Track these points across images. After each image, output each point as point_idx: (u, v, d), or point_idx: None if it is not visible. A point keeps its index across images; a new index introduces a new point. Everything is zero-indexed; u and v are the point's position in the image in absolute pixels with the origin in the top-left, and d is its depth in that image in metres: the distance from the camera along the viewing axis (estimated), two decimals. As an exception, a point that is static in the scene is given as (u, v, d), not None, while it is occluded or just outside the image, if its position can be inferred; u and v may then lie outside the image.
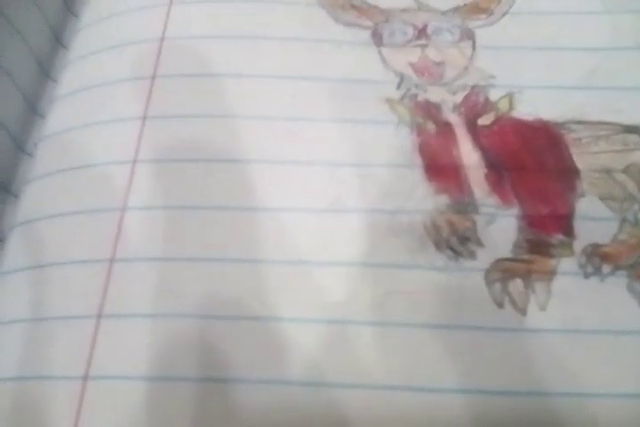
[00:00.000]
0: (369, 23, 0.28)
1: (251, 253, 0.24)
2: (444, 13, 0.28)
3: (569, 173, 0.25)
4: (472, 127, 0.26)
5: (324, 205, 0.25)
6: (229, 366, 0.22)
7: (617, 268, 0.24)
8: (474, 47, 0.28)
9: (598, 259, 0.24)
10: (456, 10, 0.29)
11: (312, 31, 0.28)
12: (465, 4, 0.29)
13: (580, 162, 0.25)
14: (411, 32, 0.28)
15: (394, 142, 0.26)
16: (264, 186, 0.25)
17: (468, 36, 0.28)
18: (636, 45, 0.28)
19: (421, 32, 0.28)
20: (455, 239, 0.24)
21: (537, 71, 0.27)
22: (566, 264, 0.24)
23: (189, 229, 0.24)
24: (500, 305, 0.23)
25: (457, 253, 0.24)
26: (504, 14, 0.28)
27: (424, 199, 0.25)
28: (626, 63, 0.27)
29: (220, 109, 0.27)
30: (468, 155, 0.26)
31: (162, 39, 0.28)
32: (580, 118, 0.26)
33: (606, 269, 0.24)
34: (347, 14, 0.28)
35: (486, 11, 0.28)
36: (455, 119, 0.26)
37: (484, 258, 0.24)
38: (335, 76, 0.27)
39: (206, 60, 0.28)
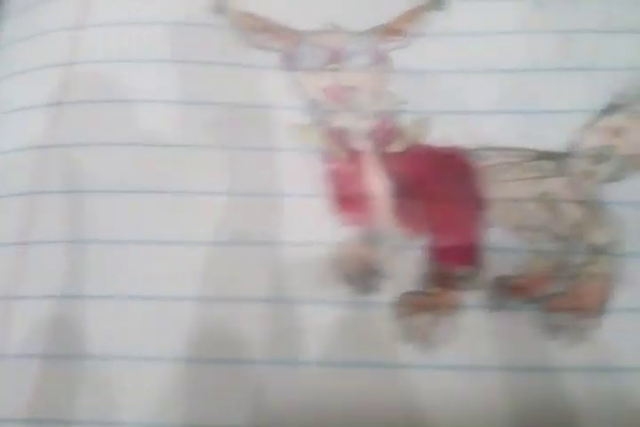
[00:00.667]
0: (281, 46, 0.27)
1: (151, 288, 0.24)
2: (359, 36, 0.27)
3: (478, 203, 0.24)
4: (382, 155, 0.25)
5: (225, 238, 0.24)
6: None
7: (527, 300, 0.23)
8: (387, 71, 0.27)
9: (507, 291, 0.23)
10: (372, 32, 0.27)
11: (223, 55, 0.27)
12: (380, 26, 0.27)
13: (491, 191, 0.25)
14: (324, 56, 0.27)
15: (302, 171, 0.25)
16: (161, 217, 0.24)
17: (382, 59, 0.27)
18: (555, 66, 0.27)
19: (335, 55, 0.27)
20: (362, 273, 0.24)
21: (450, 96, 0.26)
22: (473, 297, 0.23)
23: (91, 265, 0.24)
24: (406, 340, 0.23)
25: (363, 287, 0.24)
26: (419, 36, 0.27)
27: (331, 231, 0.24)
28: (544, 85, 0.26)
29: (125, 137, 0.26)
30: (377, 184, 0.25)
31: (70, 64, 0.27)
32: (493, 145, 0.25)
33: (515, 301, 0.23)
34: (259, 37, 0.27)
35: (400, 32, 0.27)
36: (366, 146, 0.25)
37: (391, 292, 0.24)
38: (244, 101, 0.26)
39: (115, 86, 0.27)
